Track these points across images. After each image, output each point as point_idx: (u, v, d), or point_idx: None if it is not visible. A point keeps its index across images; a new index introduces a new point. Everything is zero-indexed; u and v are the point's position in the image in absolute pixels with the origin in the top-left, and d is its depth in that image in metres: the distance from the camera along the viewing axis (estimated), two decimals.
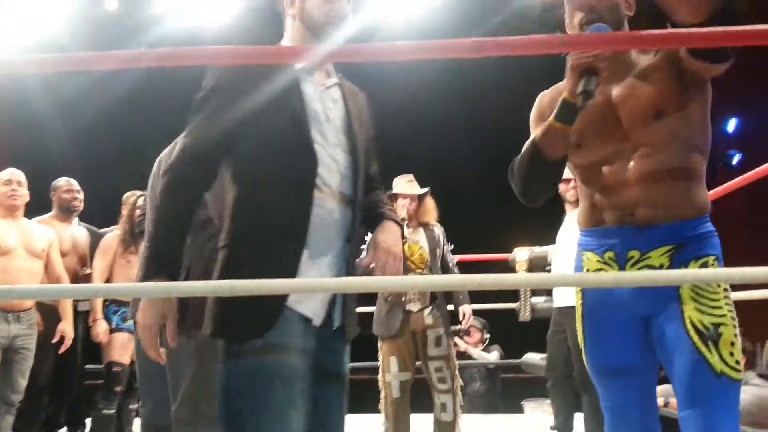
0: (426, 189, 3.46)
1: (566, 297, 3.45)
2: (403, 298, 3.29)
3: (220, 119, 1.41)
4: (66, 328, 3.51)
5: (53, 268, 3.50)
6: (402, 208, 3.34)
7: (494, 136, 6.65)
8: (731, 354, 1.41)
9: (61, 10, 5.54)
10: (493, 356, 4.97)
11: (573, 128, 1.51)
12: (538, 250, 3.79)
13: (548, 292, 3.73)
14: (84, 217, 4.06)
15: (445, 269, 3.45)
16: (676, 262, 1.49)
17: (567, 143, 1.54)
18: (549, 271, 3.65)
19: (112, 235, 3.73)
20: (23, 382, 3.30)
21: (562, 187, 3.54)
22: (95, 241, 3.83)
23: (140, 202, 3.65)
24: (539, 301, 3.74)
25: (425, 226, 3.44)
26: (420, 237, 3.42)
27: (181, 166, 1.42)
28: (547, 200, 3.70)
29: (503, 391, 5.10)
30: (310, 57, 1.32)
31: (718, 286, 1.46)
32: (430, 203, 3.47)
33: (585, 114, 1.51)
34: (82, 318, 3.76)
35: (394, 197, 3.37)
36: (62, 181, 3.83)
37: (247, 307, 1.34)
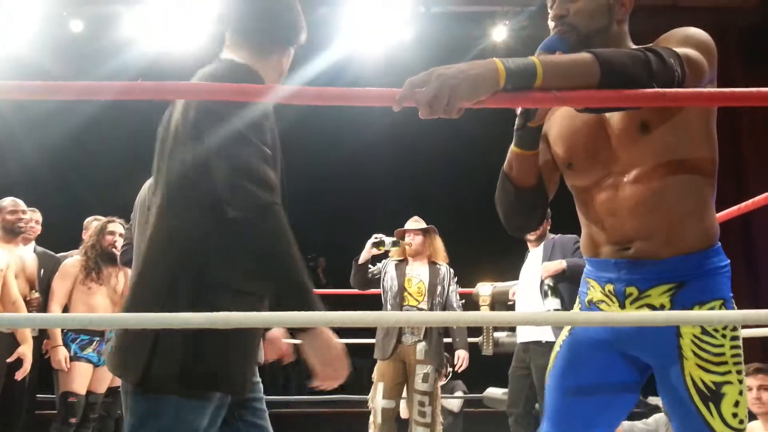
0: (430, 226, 3.71)
1: (529, 332, 3.51)
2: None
3: (263, 147, 1.29)
4: (26, 351, 3.36)
5: (9, 291, 3.34)
6: (409, 242, 3.64)
7: (459, 172, 6.78)
8: (734, 415, 1.29)
9: (26, 31, 5.44)
10: (456, 403, 4.97)
11: (534, 153, 1.43)
12: (500, 286, 3.85)
13: (511, 327, 3.79)
14: (42, 241, 3.94)
15: (448, 308, 3.60)
16: (678, 303, 1.33)
17: (534, 169, 1.44)
18: (512, 306, 3.71)
19: (73, 260, 3.62)
20: None
21: None
22: (53, 265, 3.72)
23: (118, 229, 3.58)
24: (502, 335, 3.79)
25: (432, 263, 3.67)
26: (422, 271, 3.65)
27: (262, 200, 1.23)
28: (511, 237, 3.79)
29: (465, 426, 5.10)
30: (274, 96, 1.26)
31: (723, 336, 1.30)
32: (437, 242, 3.72)
33: (576, 131, 1.42)
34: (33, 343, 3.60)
35: (403, 233, 3.68)
36: (7, 202, 3.64)
37: None
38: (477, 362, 3.95)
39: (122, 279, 3.66)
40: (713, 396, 1.29)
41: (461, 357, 3.72)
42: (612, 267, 1.40)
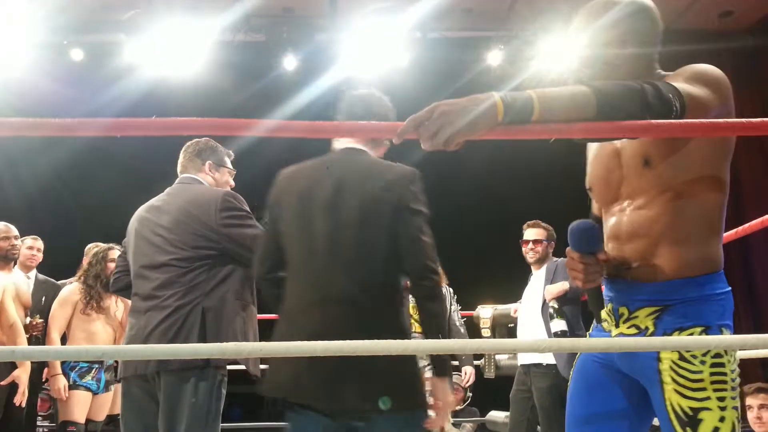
0: None
1: (530, 355, 3.50)
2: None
3: None
4: (21, 375, 3.34)
5: (6, 314, 3.33)
6: None
7: (463, 195, 6.82)
8: None
9: (27, 59, 5.51)
10: (468, 427, 4.93)
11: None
12: (501, 308, 3.86)
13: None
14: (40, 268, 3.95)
15: (450, 328, 3.64)
16: (660, 327, 1.39)
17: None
18: (513, 328, 3.71)
19: (72, 287, 3.62)
20: None
21: (523, 248, 3.68)
22: (54, 292, 3.72)
23: (113, 255, 3.58)
24: (503, 358, 3.79)
25: None
26: None
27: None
28: (512, 259, 3.78)
29: None
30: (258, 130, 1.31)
31: (702, 363, 1.33)
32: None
33: (597, 159, 1.52)
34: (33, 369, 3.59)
35: None
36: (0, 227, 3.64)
37: None
38: (479, 386, 3.95)
39: (121, 306, 3.66)
40: (690, 421, 1.32)
41: (468, 373, 3.76)
42: (611, 286, 1.49)
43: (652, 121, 1.14)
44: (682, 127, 1.14)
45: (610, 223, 1.50)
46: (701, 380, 1.32)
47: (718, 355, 1.33)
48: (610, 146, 1.48)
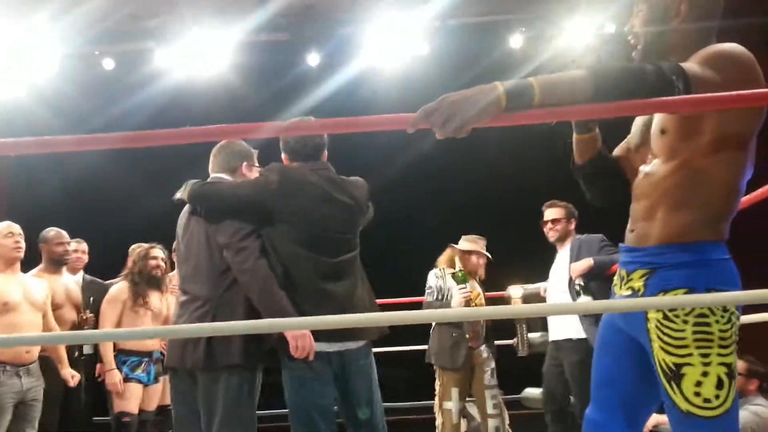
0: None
1: (561, 330, 3.58)
2: (468, 335, 3.65)
3: None
4: (66, 372, 3.56)
5: (48, 320, 3.50)
6: (476, 264, 3.84)
7: (486, 176, 6.87)
8: (696, 394, 1.39)
9: (58, 70, 5.73)
10: None
11: (587, 137, 1.66)
12: (530, 287, 3.94)
13: (543, 327, 3.86)
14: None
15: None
16: (649, 289, 1.49)
17: (586, 150, 1.68)
18: None
19: (120, 285, 3.81)
20: None
21: (543, 228, 3.76)
22: (101, 292, 3.91)
23: (159, 254, 3.78)
24: (536, 336, 3.87)
25: (475, 276, 3.87)
26: (476, 285, 3.84)
27: None
28: (538, 238, 3.86)
29: None
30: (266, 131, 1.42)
31: (684, 322, 1.42)
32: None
33: (634, 126, 1.65)
34: (83, 366, 3.80)
35: (470, 252, 3.81)
36: (53, 233, 3.80)
37: None
38: (512, 364, 4.03)
39: (166, 303, 3.85)
40: (674, 376, 1.42)
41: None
42: (622, 252, 1.60)
43: (648, 99, 1.23)
44: (666, 103, 1.22)
45: (634, 186, 1.61)
46: (684, 338, 1.41)
47: (702, 315, 1.41)
48: (646, 116, 1.58)
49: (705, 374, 1.39)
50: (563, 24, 6.09)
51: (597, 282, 3.46)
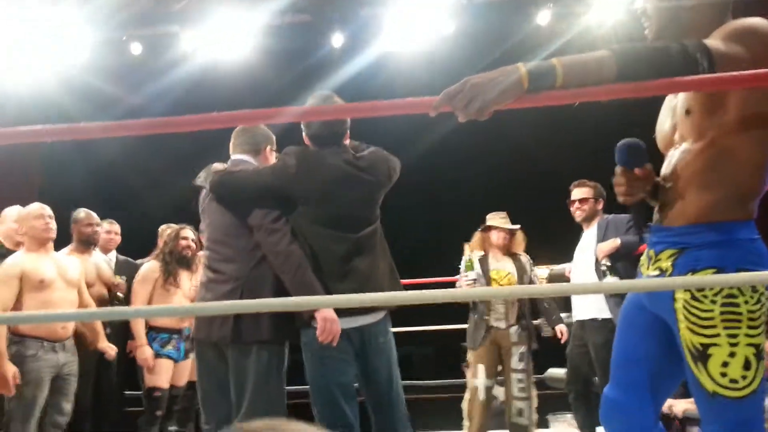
0: (518, 226, 3.85)
1: (586, 310, 3.58)
2: (485, 317, 3.67)
3: None
4: (105, 345, 3.66)
5: (83, 297, 3.59)
6: (497, 239, 3.79)
7: (513, 163, 6.82)
8: (723, 374, 1.39)
9: (88, 56, 5.82)
10: None
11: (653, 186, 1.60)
12: (556, 268, 3.94)
13: (567, 308, 3.86)
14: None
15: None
16: (677, 268, 1.48)
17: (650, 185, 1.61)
18: None
19: (151, 264, 3.90)
20: (69, 406, 3.43)
21: (571, 208, 3.74)
22: (134, 272, 4.01)
23: (190, 234, 3.87)
24: (563, 317, 3.87)
25: (513, 255, 3.82)
26: (509, 265, 3.79)
27: None
28: (565, 218, 3.83)
29: None
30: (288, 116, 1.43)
31: (713, 302, 1.40)
32: (519, 236, 3.87)
33: (665, 110, 1.62)
34: (114, 342, 3.86)
35: (489, 229, 3.82)
36: (82, 214, 3.91)
37: None
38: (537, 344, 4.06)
39: (195, 281, 3.93)
40: (700, 356, 1.41)
41: (563, 332, 3.84)
42: (652, 231, 1.59)
43: (671, 78, 1.21)
44: (691, 82, 1.21)
45: (663, 167, 1.59)
46: (712, 318, 1.40)
47: (731, 295, 1.40)
48: (673, 97, 1.57)
49: (732, 354, 1.39)
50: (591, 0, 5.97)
51: (623, 263, 3.44)
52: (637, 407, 1.56)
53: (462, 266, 3.70)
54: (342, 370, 2.20)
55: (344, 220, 2.27)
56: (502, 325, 3.66)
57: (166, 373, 3.76)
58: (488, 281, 3.70)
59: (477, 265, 3.74)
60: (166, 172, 6.35)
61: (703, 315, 1.41)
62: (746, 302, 1.40)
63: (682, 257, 1.47)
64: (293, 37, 6.03)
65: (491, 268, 3.76)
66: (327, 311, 2.14)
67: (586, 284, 3.31)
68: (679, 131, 1.53)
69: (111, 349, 3.67)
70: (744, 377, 1.38)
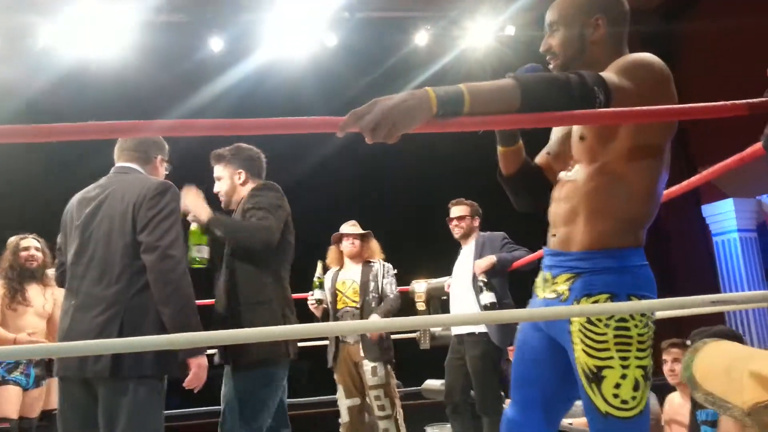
0: (368, 231, 3.81)
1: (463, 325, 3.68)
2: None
3: None
4: None
5: None
6: (347, 247, 3.75)
7: (399, 179, 6.90)
8: (615, 395, 1.43)
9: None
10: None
11: (513, 149, 1.66)
12: (434, 282, 4.01)
13: None
14: None
15: (383, 300, 3.66)
16: (573, 293, 1.52)
17: (513, 162, 1.68)
18: (446, 300, 3.88)
19: None
20: None
21: (450, 225, 3.84)
22: None
23: (32, 243, 3.49)
24: (438, 329, 3.95)
25: (366, 263, 3.76)
26: (354, 273, 3.73)
27: None
28: (442, 233, 3.91)
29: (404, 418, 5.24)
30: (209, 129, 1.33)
31: (606, 326, 1.45)
32: (374, 244, 3.83)
33: (557, 134, 1.68)
34: None
35: (340, 239, 3.78)
36: None
37: None
38: (415, 356, 4.10)
39: (50, 297, 3.57)
40: (595, 378, 1.46)
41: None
42: (546, 255, 1.64)
43: (571, 111, 1.27)
44: (592, 116, 1.27)
45: (555, 191, 1.64)
46: (605, 341, 1.46)
47: (622, 320, 1.46)
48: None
49: (624, 377, 1.44)
50: (466, 24, 6.25)
51: (498, 279, 3.59)
52: (534, 426, 1.62)
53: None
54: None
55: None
56: (350, 339, 3.59)
57: (13, 401, 3.36)
58: (334, 295, 3.67)
59: (328, 282, 3.70)
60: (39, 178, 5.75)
61: (598, 338, 1.46)
62: (636, 326, 1.46)
63: (577, 281, 1.52)
64: (170, 37, 5.73)
65: (339, 279, 3.72)
66: (204, 359, 2.07)
67: (474, 314, 3.39)
68: (573, 154, 1.58)
69: None
70: (634, 398, 1.44)
